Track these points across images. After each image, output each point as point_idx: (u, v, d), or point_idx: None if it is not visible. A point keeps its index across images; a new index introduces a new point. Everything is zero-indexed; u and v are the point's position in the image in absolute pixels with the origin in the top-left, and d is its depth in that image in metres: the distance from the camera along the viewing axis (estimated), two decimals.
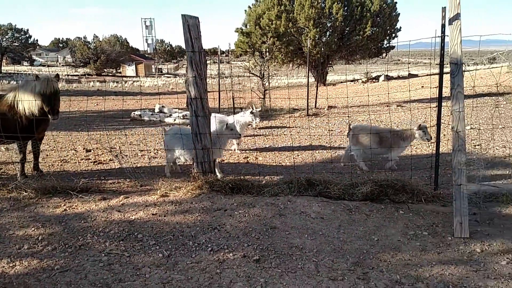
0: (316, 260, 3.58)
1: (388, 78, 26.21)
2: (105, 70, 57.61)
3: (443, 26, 4.37)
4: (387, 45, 25.57)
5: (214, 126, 7.34)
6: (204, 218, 4.37)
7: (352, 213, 4.48)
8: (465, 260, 3.57)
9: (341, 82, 29.04)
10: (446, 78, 4.43)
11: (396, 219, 4.36)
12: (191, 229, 4.14)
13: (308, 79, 13.12)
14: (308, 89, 12.66)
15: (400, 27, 25.08)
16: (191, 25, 5.12)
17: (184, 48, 5.23)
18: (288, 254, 3.70)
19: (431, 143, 6.40)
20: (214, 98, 13.67)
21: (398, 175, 5.50)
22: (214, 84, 17.28)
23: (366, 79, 27.10)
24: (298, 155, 7.59)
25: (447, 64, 4.30)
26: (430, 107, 6.06)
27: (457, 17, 4.09)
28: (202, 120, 5.22)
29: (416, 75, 27.33)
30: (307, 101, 12.67)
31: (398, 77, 26.82)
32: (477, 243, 3.83)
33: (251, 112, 8.11)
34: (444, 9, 4.28)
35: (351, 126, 6.48)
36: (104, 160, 7.56)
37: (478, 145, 7.37)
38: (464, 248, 3.76)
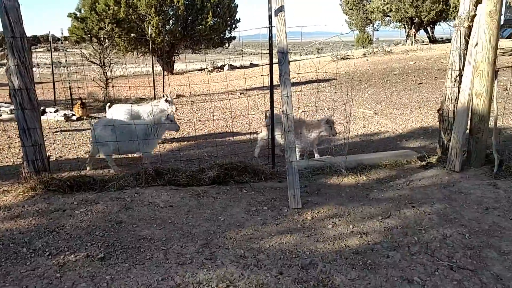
0: (165, 248, 3.59)
1: (232, 67, 27.29)
2: None
3: (269, 17, 4.74)
4: (229, 35, 26.52)
5: (122, 117, 6.78)
6: (39, 222, 3.97)
7: (201, 198, 4.61)
8: (299, 228, 4.01)
9: (189, 71, 29.14)
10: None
11: (240, 198, 4.64)
12: (24, 235, 3.73)
13: (153, 68, 12.83)
14: (154, 78, 12.39)
15: (239, 18, 26.24)
16: (9, 8, 4.54)
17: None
18: (136, 247, 3.63)
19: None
20: (43, 89, 12.31)
21: (241, 157, 5.84)
22: (48, 74, 15.56)
23: (212, 68, 27.73)
24: None
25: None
26: (265, 94, 6.57)
27: (281, 8, 4.49)
28: (30, 113, 4.68)
29: (257, 65, 29.07)
30: (154, 90, 12.42)
31: (241, 67, 28.15)
32: (308, 212, 4.34)
33: (166, 100, 7.51)
34: (270, 0, 4.64)
35: (267, 114, 6.44)
36: None
37: None
38: (298, 218, 4.22)
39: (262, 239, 3.77)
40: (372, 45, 30.52)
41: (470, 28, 5.20)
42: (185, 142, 7.45)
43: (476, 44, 5.04)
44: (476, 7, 5.12)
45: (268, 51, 5.19)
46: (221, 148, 6.79)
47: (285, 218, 4.21)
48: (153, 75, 12.46)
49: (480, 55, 4.99)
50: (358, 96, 11.09)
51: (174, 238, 3.78)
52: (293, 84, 14.19)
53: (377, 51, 22.53)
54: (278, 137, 6.11)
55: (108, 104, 7.67)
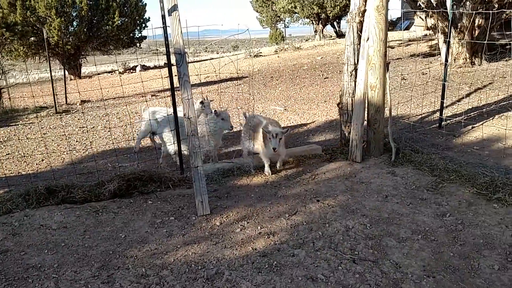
0: (56, 276, 3.25)
1: (145, 68, 26.33)
2: None
3: (163, 17, 4.52)
4: (139, 35, 25.55)
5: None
6: None
7: (99, 215, 4.26)
8: (207, 235, 3.87)
9: (99, 74, 27.60)
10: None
11: (144, 210, 4.38)
12: None
13: (51, 73, 11.86)
14: (53, 84, 11.46)
15: (149, 17, 25.38)
16: None
17: None
18: (23, 277, 3.24)
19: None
20: None
21: (146, 166, 5.56)
22: None
23: (123, 69, 26.51)
24: (42, 160, 6.78)
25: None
26: (177, 95, 6.25)
27: (175, 8, 4.28)
28: None
29: (172, 65, 28.32)
30: (54, 97, 11.49)
31: (155, 67, 27.30)
32: (217, 217, 4.21)
33: (201, 102, 6.46)
34: (162, 0, 4.42)
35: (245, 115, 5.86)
36: None
37: None
38: (206, 225, 4.07)
39: (166, 253, 3.57)
40: (284, 42, 31.26)
41: (361, 23, 5.42)
42: (87, 153, 6.93)
43: (368, 39, 5.26)
44: (366, 2, 5.34)
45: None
46: (127, 157, 6.41)
47: (193, 226, 4.05)
48: (52, 81, 11.52)
49: (372, 49, 5.21)
50: (269, 93, 11.21)
51: (68, 263, 3.43)
52: (209, 83, 14.02)
53: (287, 48, 23.09)
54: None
55: (143, 107, 6.98)
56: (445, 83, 6.37)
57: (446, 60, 6.37)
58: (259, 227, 3.96)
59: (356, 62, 5.50)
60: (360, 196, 4.46)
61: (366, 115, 5.47)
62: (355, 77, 5.51)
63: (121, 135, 7.94)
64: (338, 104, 5.88)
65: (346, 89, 5.64)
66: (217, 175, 5.22)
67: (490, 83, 9.06)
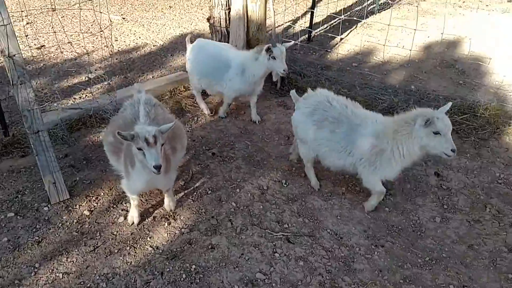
0: None
1: None
2: None
3: None
4: None
5: None
6: None
7: None
8: (76, 237, 2.70)
9: None
10: None
11: None
12: None
13: None
14: None
15: None
16: None
17: None
18: None
19: None
20: None
21: None
22: None
23: None
24: None
25: None
26: None
27: None
28: None
29: None
30: None
31: None
32: (83, 202, 3.00)
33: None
34: None
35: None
36: None
37: (41, 46, 6.05)
38: (69, 218, 2.84)
39: (20, 282, 2.31)
40: None
41: None
42: None
43: None
44: None
45: None
46: None
47: (49, 224, 2.76)
48: None
49: None
50: None
51: None
52: None
53: None
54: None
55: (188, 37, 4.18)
56: None
57: None
58: (149, 207, 2.93)
59: None
60: (259, 141, 3.74)
61: (245, 34, 4.52)
62: None
63: None
64: (208, 19, 4.73)
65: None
66: (61, 130, 3.70)
67: None
